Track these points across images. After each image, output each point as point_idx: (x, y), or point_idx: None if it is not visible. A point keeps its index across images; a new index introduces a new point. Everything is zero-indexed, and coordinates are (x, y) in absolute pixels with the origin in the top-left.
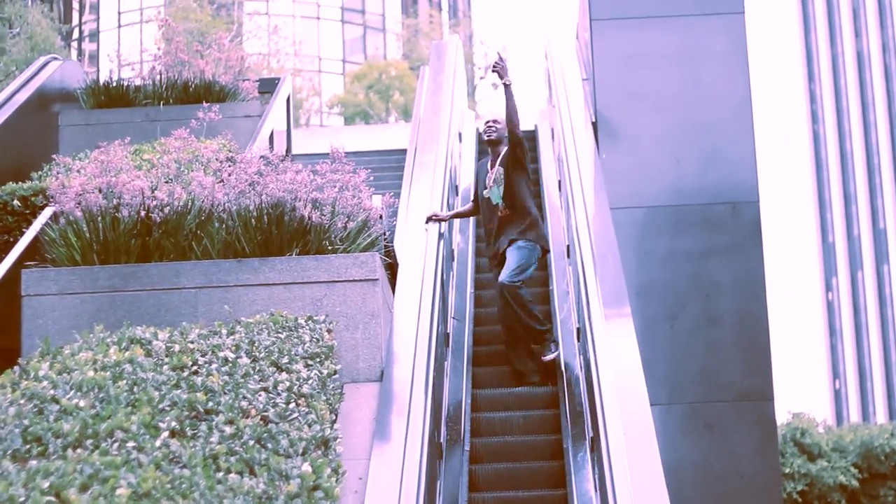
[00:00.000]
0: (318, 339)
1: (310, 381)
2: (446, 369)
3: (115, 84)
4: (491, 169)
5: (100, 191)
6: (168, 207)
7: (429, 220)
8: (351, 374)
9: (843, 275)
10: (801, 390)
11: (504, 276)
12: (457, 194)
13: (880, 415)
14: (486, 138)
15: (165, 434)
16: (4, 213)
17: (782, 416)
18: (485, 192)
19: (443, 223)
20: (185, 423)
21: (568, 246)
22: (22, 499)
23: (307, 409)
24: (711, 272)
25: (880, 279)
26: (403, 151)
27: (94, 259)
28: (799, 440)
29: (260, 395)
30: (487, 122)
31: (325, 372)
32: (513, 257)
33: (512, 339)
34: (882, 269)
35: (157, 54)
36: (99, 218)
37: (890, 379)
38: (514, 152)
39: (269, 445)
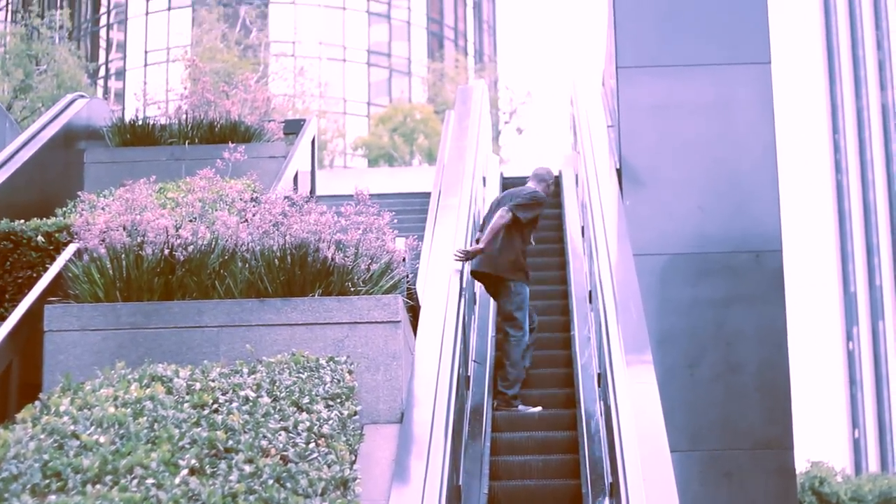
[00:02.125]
0: (339, 380)
1: (330, 422)
2: (466, 412)
3: (140, 122)
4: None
5: (124, 228)
6: (192, 246)
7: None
8: (371, 415)
9: (865, 325)
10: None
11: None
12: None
13: None
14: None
15: (185, 472)
16: (28, 248)
17: (801, 465)
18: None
19: (466, 264)
20: (204, 461)
21: (590, 292)
22: None
23: (327, 450)
24: (733, 320)
25: None
26: (427, 194)
27: (116, 296)
28: (817, 489)
29: (280, 435)
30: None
31: (346, 413)
32: None
33: None
34: None
35: (183, 94)
36: (123, 255)
37: None
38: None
39: (289, 485)
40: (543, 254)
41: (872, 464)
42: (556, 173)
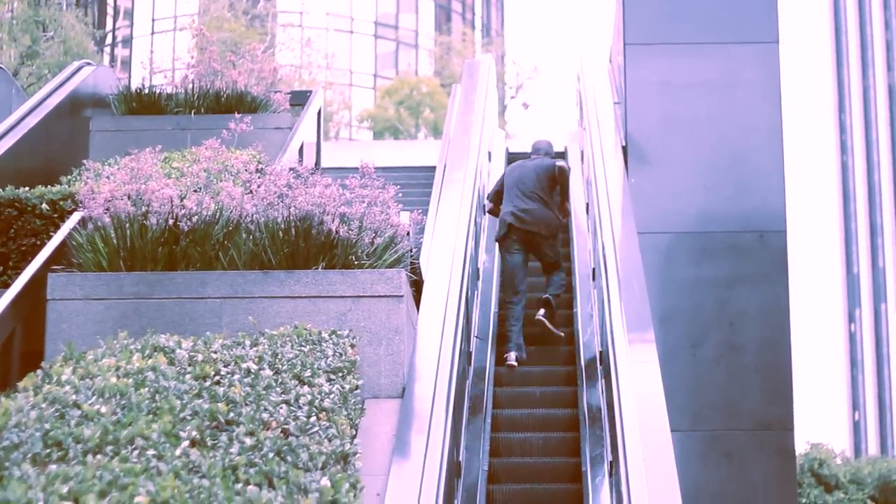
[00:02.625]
0: (341, 354)
1: (331, 396)
2: (467, 388)
3: (147, 91)
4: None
5: (129, 197)
6: (196, 217)
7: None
8: (373, 389)
9: (867, 307)
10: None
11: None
12: (485, 213)
13: None
14: None
15: (186, 443)
16: (33, 216)
17: (800, 447)
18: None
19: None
20: (205, 433)
21: (594, 269)
22: (40, 503)
23: (328, 424)
24: (736, 300)
25: None
26: (432, 168)
27: (120, 265)
28: (817, 471)
29: (281, 408)
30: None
31: (347, 387)
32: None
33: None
34: None
35: (189, 63)
36: (127, 225)
37: None
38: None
39: (289, 458)
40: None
41: (872, 446)
42: (561, 149)
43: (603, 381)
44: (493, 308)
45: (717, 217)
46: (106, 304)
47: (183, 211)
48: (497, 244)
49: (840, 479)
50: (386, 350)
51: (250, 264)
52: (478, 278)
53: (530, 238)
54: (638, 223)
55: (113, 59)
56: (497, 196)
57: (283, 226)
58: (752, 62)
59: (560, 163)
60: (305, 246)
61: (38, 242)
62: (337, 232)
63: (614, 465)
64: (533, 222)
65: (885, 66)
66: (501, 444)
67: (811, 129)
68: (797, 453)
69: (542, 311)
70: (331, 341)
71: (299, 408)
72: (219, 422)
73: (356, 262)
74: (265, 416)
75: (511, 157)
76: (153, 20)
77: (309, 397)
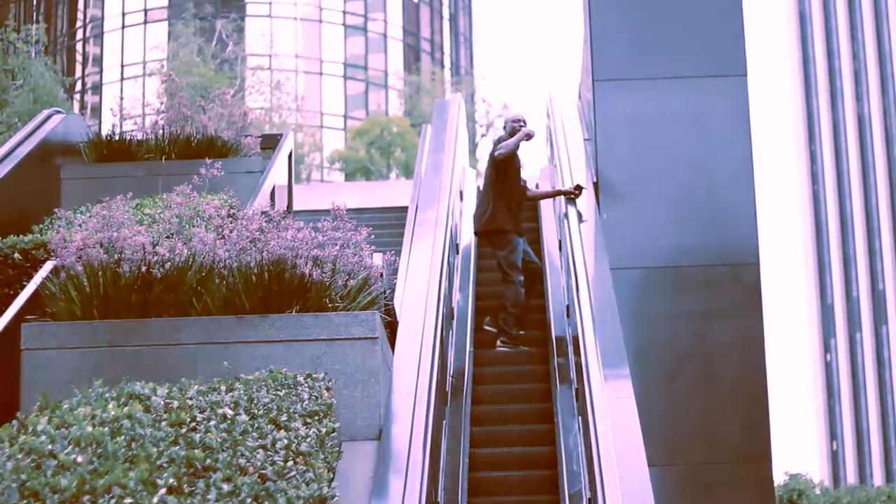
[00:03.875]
0: (317, 397)
1: (308, 439)
2: (444, 428)
3: (117, 138)
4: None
5: (101, 245)
6: (169, 263)
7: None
8: (349, 432)
9: (842, 336)
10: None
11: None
12: (457, 253)
13: (877, 476)
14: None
15: (163, 491)
16: (5, 265)
17: (779, 477)
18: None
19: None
20: (182, 479)
21: (568, 306)
22: None
23: (305, 468)
24: (711, 333)
25: (879, 341)
26: (404, 209)
27: (94, 314)
28: (796, 501)
29: (258, 453)
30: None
31: (324, 430)
32: None
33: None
34: (881, 330)
35: (159, 108)
36: (100, 272)
37: (887, 441)
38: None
39: (267, 503)
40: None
41: (851, 475)
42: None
43: (579, 417)
44: (469, 347)
45: (689, 251)
46: (80, 353)
47: (156, 258)
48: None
49: None
50: (362, 392)
51: (224, 309)
52: (452, 318)
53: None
54: (611, 258)
55: (83, 106)
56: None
57: (256, 270)
58: (720, 95)
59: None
60: (279, 290)
61: (11, 292)
62: (310, 275)
63: (593, 502)
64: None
65: (854, 97)
66: (479, 483)
67: (782, 161)
68: (776, 484)
69: (499, 342)
70: (306, 385)
71: (276, 452)
72: (196, 468)
73: (330, 305)
74: (242, 461)
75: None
76: (122, 66)
77: (286, 441)
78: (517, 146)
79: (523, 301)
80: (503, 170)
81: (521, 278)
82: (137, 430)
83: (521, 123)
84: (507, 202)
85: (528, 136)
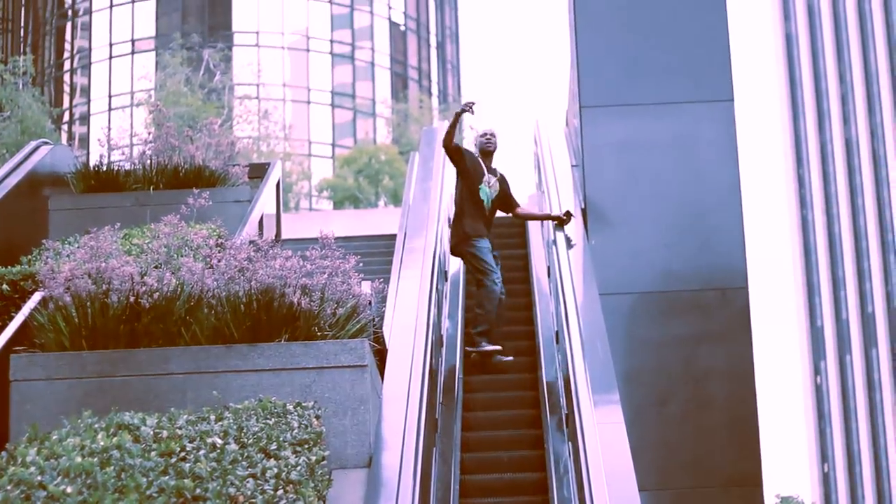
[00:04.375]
0: (306, 426)
1: (298, 468)
2: (434, 456)
3: (105, 168)
4: (487, 173)
5: (89, 276)
6: (157, 293)
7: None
8: (339, 459)
9: (832, 359)
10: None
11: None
12: (446, 280)
13: (869, 499)
14: (487, 150)
15: None
16: None
17: (770, 500)
18: (481, 187)
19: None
20: None
21: (557, 332)
22: None
23: (295, 496)
24: (701, 358)
25: (868, 363)
26: (392, 237)
27: (82, 344)
28: None
29: (248, 482)
30: (486, 134)
31: (314, 458)
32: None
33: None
34: (871, 352)
35: (147, 139)
36: (88, 303)
37: (878, 463)
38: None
39: None
40: (510, 294)
41: (842, 498)
42: None
43: (569, 444)
44: (459, 374)
45: (678, 276)
46: (69, 384)
47: (144, 288)
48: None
49: None
50: (351, 420)
51: (213, 339)
52: (441, 345)
53: None
54: (600, 284)
55: (71, 136)
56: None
57: (244, 299)
58: (708, 121)
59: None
60: (267, 319)
61: (0, 323)
62: (299, 304)
63: None
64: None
65: (842, 120)
66: None
67: (771, 185)
68: None
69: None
70: (296, 413)
71: (266, 481)
72: (186, 498)
73: (319, 333)
74: (232, 490)
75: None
76: (110, 97)
77: (276, 470)
78: (453, 125)
79: (494, 309)
80: (459, 171)
81: (495, 276)
82: (127, 461)
83: (488, 137)
84: (470, 210)
85: (465, 109)
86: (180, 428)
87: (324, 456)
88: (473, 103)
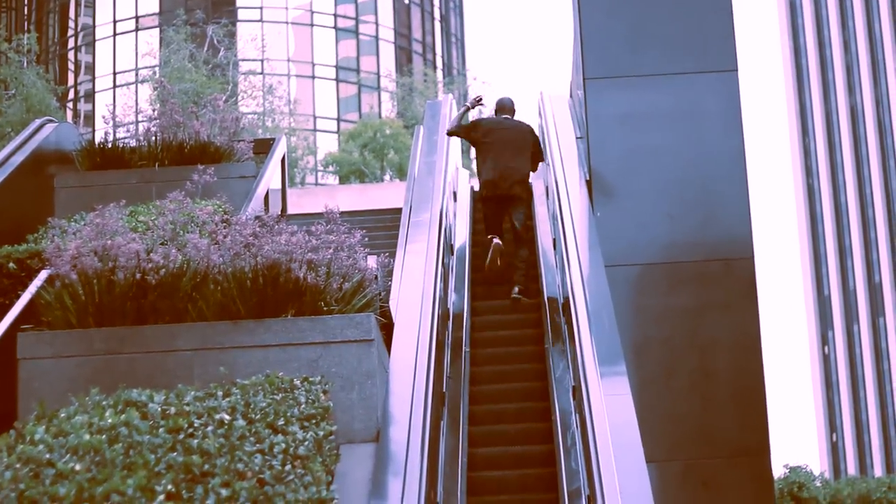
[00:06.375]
0: (313, 401)
1: (306, 443)
2: (442, 429)
3: (110, 146)
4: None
5: (95, 253)
6: (163, 270)
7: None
8: (347, 434)
9: (839, 328)
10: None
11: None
12: (451, 254)
13: (878, 467)
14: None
15: (161, 497)
16: (0, 275)
17: (779, 470)
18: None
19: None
20: (181, 485)
21: (563, 304)
22: None
23: (303, 471)
24: (707, 328)
25: (876, 332)
26: (398, 211)
27: (89, 322)
28: (796, 494)
29: (256, 458)
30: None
31: (321, 433)
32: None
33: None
34: (878, 321)
35: (152, 115)
36: (94, 281)
37: (887, 431)
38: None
39: None
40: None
41: (851, 467)
42: None
43: (577, 415)
44: (465, 348)
45: (684, 247)
46: (77, 361)
47: (150, 265)
48: (481, 201)
49: (820, 502)
50: (358, 395)
51: (219, 315)
52: (448, 318)
53: (504, 203)
54: (605, 256)
55: (76, 114)
56: (467, 134)
57: (250, 275)
58: (712, 91)
59: (534, 130)
60: (274, 294)
61: (7, 302)
62: (305, 279)
63: (592, 499)
64: (509, 188)
65: (846, 89)
66: (478, 482)
67: (776, 154)
68: (776, 477)
69: (516, 290)
70: (303, 388)
71: (274, 457)
72: (194, 474)
73: (325, 309)
74: (240, 466)
75: (476, 196)
76: (115, 74)
77: (283, 446)
78: (459, 117)
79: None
80: (470, 141)
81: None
82: (135, 437)
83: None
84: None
85: (474, 104)
86: (188, 404)
87: (331, 431)
88: (481, 98)
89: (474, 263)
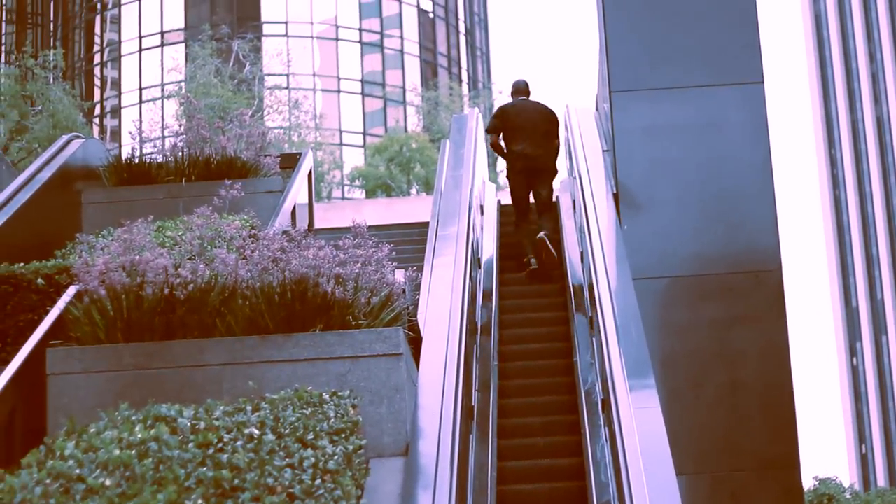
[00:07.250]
0: (342, 415)
1: (335, 457)
2: (471, 442)
3: (137, 161)
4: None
5: (123, 269)
6: (192, 285)
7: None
8: (376, 448)
9: (867, 339)
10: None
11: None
12: (479, 267)
13: None
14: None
15: None
16: (29, 291)
17: (809, 482)
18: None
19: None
20: (211, 500)
21: (591, 317)
22: None
23: (333, 486)
24: (735, 341)
25: None
26: (425, 225)
27: (118, 337)
28: None
29: (286, 472)
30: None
31: (351, 447)
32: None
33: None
34: None
35: (178, 131)
36: (123, 296)
37: None
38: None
39: None
40: (542, 281)
41: (881, 478)
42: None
43: (606, 428)
44: (494, 362)
45: (711, 259)
46: (106, 377)
47: (178, 280)
48: (508, 177)
49: None
50: (387, 409)
51: (248, 330)
52: (476, 332)
53: (536, 174)
54: (633, 269)
55: (102, 130)
56: (497, 130)
57: (278, 290)
58: (738, 103)
59: (556, 110)
60: (302, 309)
61: (36, 318)
62: (333, 293)
63: None
64: (542, 160)
65: (872, 99)
66: (509, 496)
67: (803, 165)
68: (805, 489)
69: (543, 233)
70: (332, 403)
71: (304, 471)
72: (224, 489)
73: (353, 323)
74: (270, 480)
75: (503, 210)
76: (141, 89)
77: (313, 460)
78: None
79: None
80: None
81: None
82: (165, 452)
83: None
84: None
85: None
86: (217, 419)
87: (361, 445)
88: None
89: (501, 277)
